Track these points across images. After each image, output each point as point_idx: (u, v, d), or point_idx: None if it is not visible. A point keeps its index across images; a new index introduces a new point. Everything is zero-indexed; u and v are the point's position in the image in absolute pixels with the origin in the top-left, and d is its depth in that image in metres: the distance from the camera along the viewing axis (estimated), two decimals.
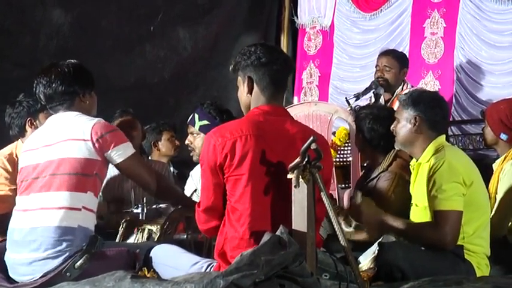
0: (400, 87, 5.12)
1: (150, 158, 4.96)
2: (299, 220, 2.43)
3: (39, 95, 3.08)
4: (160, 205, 3.75)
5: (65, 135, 2.96)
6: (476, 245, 3.08)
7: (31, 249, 2.86)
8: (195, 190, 3.98)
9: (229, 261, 2.55)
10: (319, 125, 4.81)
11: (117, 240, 3.47)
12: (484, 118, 3.94)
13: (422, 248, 3.07)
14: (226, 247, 2.63)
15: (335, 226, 2.45)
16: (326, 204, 2.44)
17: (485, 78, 6.13)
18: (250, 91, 2.74)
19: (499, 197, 3.60)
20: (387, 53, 5.30)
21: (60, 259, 2.83)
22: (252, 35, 7.33)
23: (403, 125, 3.26)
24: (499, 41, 6.08)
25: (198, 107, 3.65)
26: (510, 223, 3.59)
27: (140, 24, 6.55)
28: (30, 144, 3.08)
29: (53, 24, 5.85)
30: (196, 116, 3.61)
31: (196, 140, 3.64)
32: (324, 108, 4.97)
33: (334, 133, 5.35)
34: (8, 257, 2.94)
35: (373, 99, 5.15)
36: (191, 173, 4.27)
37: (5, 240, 3.01)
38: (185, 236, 3.41)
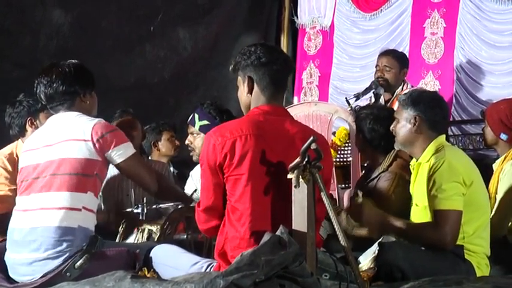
0: (400, 87, 5.12)
1: (150, 158, 4.96)
2: (299, 220, 2.43)
3: (40, 94, 3.08)
4: (160, 205, 3.75)
5: (65, 135, 2.96)
6: (476, 245, 3.08)
7: (31, 250, 2.86)
8: (195, 190, 3.98)
9: (230, 261, 2.55)
10: (319, 125, 4.81)
11: (117, 240, 3.48)
12: (484, 118, 3.94)
13: (422, 248, 3.07)
14: (227, 247, 2.63)
15: (335, 226, 2.45)
16: (326, 204, 2.44)
17: (485, 78, 6.13)
18: (250, 91, 2.74)
19: (499, 197, 3.60)
20: (387, 53, 5.30)
21: (60, 259, 2.83)
22: (252, 35, 7.33)
23: (403, 125, 3.26)
24: (499, 41, 6.08)
25: (198, 107, 3.65)
26: (510, 223, 3.59)
27: (140, 24, 6.55)
28: (31, 144, 3.08)
29: (53, 24, 5.85)
30: (197, 116, 3.61)
31: (196, 140, 3.64)
32: (324, 108, 4.96)
33: (334, 133, 5.35)
34: (8, 257, 2.94)
35: (373, 99, 5.15)
36: (191, 173, 4.27)
37: (5, 240, 3.01)
38: (185, 236, 3.40)
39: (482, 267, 3.08)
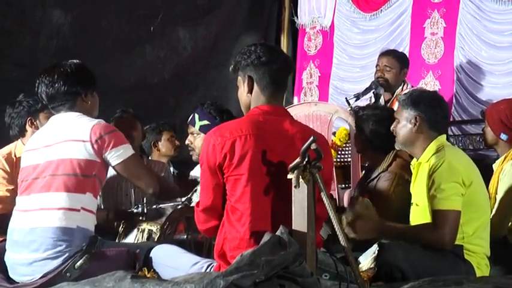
0: (400, 87, 5.12)
1: (150, 158, 4.96)
2: (299, 220, 2.43)
3: (42, 94, 3.08)
4: (161, 205, 3.75)
5: (64, 136, 2.96)
6: (476, 245, 3.08)
7: (31, 250, 2.85)
8: (195, 190, 3.98)
9: (229, 261, 2.55)
10: (319, 125, 4.81)
11: (116, 240, 3.48)
12: (484, 118, 3.94)
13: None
14: (226, 247, 2.63)
15: (335, 226, 2.45)
16: (326, 205, 2.44)
17: (485, 79, 6.13)
18: (250, 91, 2.74)
19: (499, 197, 3.60)
20: (388, 53, 5.30)
21: (60, 259, 2.83)
22: (252, 35, 7.33)
23: (404, 125, 3.26)
24: (499, 41, 6.08)
25: (198, 107, 3.65)
26: (510, 223, 3.59)
27: (140, 24, 6.55)
28: (32, 144, 3.08)
29: (53, 24, 5.85)
30: (197, 116, 3.61)
31: (196, 140, 3.64)
32: (324, 109, 4.97)
33: (334, 133, 5.36)
34: (8, 257, 2.94)
35: (373, 100, 5.15)
36: (191, 173, 4.27)
37: (5, 240, 3.01)
38: (185, 236, 3.40)
39: (482, 268, 3.08)
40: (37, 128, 3.70)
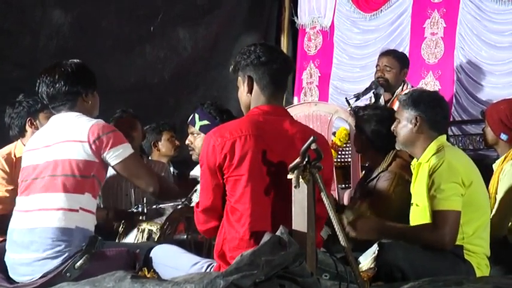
0: (400, 87, 5.12)
1: (150, 158, 4.97)
2: (299, 220, 2.43)
3: (42, 94, 3.08)
4: (160, 205, 3.75)
5: (63, 136, 2.96)
6: (476, 245, 3.08)
7: (31, 250, 2.85)
8: (195, 190, 3.98)
9: (229, 261, 2.55)
10: (319, 125, 4.81)
11: (116, 240, 3.47)
12: (484, 118, 3.94)
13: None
14: (226, 247, 2.62)
15: (335, 226, 2.45)
16: (326, 205, 2.44)
17: (485, 79, 6.13)
18: (250, 91, 2.73)
19: (499, 197, 3.60)
20: (388, 53, 5.30)
21: (60, 259, 2.83)
22: (252, 35, 7.33)
23: (404, 125, 3.26)
24: (499, 42, 6.08)
25: (199, 107, 3.65)
26: (510, 223, 3.59)
27: (140, 24, 6.54)
28: (32, 144, 3.08)
29: (53, 24, 5.84)
30: (197, 116, 3.61)
31: (196, 140, 3.64)
32: (324, 109, 4.97)
33: (334, 133, 5.36)
34: (8, 257, 2.94)
35: (373, 100, 5.15)
36: (191, 173, 4.27)
37: (5, 240, 3.01)
38: (185, 236, 3.40)
39: (482, 268, 3.08)
40: (37, 128, 3.70)
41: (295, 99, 6.47)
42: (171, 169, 5.06)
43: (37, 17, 5.78)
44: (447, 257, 3.01)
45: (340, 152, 5.34)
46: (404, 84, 5.15)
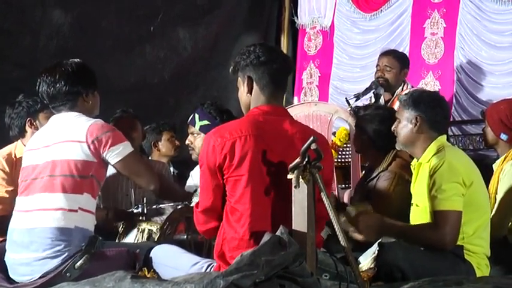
0: (400, 87, 5.12)
1: (150, 158, 4.96)
2: (299, 220, 2.43)
3: (43, 94, 3.07)
4: (160, 205, 3.75)
5: (62, 136, 2.96)
6: (476, 245, 3.08)
7: (30, 250, 2.86)
8: (195, 190, 3.98)
9: (229, 262, 2.55)
10: (319, 125, 4.81)
11: (116, 239, 3.47)
12: (484, 118, 3.94)
13: (422, 248, 3.07)
14: (225, 248, 2.62)
15: (335, 226, 2.45)
16: (326, 205, 2.44)
17: (485, 79, 6.13)
18: (250, 91, 2.73)
19: (499, 197, 3.60)
20: (388, 53, 5.30)
21: (59, 259, 2.83)
22: (252, 35, 7.32)
23: (404, 125, 3.26)
24: (499, 42, 6.08)
25: (199, 107, 3.65)
26: (510, 223, 3.59)
27: (140, 24, 6.54)
28: (32, 144, 3.08)
29: (53, 24, 5.84)
30: (197, 116, 3.61)
31: (196, 140, 3.64)
32: (324, 109, 4.97)
33: (334, 133, 5.35)
34: (8, 257, 2.94)
35: (373, 100, 5.15)
36: (191, 173, 4.27)
37: (5, 240, 3.01)
38: (185, 236, 3.40)
39: (482, 268, 3.08)
40: (37, 128, 3.70)
41: (295, 99, 6.47)
42: (171, 169, 5.06)
43: (37, 17, 5.78)
44: (447, 257, 3.01)
45: (340, 152, 5.34)
46: (404, 84, 5.15)
